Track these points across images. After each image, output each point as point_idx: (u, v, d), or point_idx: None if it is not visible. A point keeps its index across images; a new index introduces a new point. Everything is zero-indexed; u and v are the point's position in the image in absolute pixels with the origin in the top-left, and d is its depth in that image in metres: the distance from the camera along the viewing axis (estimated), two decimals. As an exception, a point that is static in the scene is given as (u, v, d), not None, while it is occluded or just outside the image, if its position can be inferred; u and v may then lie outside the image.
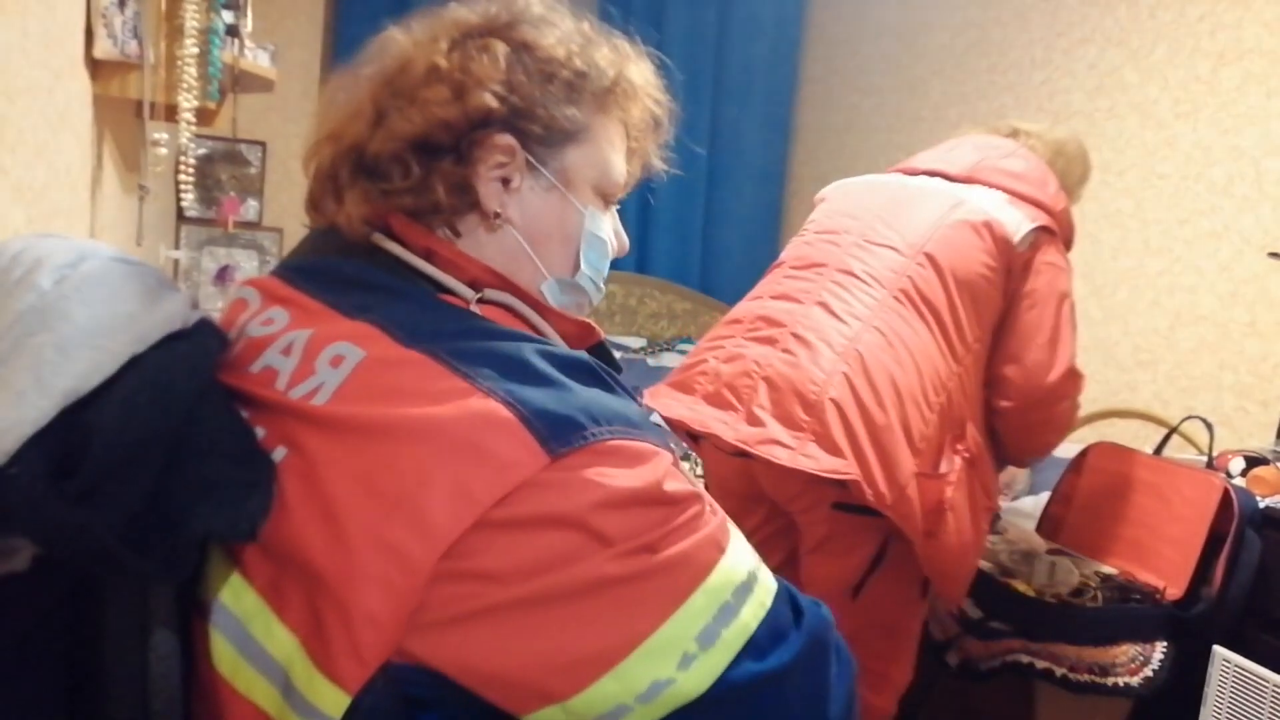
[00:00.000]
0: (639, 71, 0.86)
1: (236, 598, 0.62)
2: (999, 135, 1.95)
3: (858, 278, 1.67)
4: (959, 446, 1.63)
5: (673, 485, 0.67)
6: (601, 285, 0.87)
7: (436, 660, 0.61)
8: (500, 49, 0.78)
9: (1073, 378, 1.78)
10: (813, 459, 1.47)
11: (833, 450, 1.48)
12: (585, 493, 0.63)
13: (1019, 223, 1.73)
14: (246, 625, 0.62)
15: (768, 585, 0.72)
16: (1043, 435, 1.84)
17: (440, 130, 0.76)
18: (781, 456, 1.48)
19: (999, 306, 1.73)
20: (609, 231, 0.86)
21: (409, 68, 0.78)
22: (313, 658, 0.60)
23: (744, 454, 1.54)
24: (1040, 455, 1.93)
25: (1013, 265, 1.72)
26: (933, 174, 1.89)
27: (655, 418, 1.90)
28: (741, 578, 0.69)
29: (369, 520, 0.60)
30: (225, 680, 0.63)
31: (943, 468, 1.59)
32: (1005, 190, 1.79)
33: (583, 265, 0.84)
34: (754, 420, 1.54)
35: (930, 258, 1.67)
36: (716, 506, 0.73)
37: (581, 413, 0.64)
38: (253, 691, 0.62)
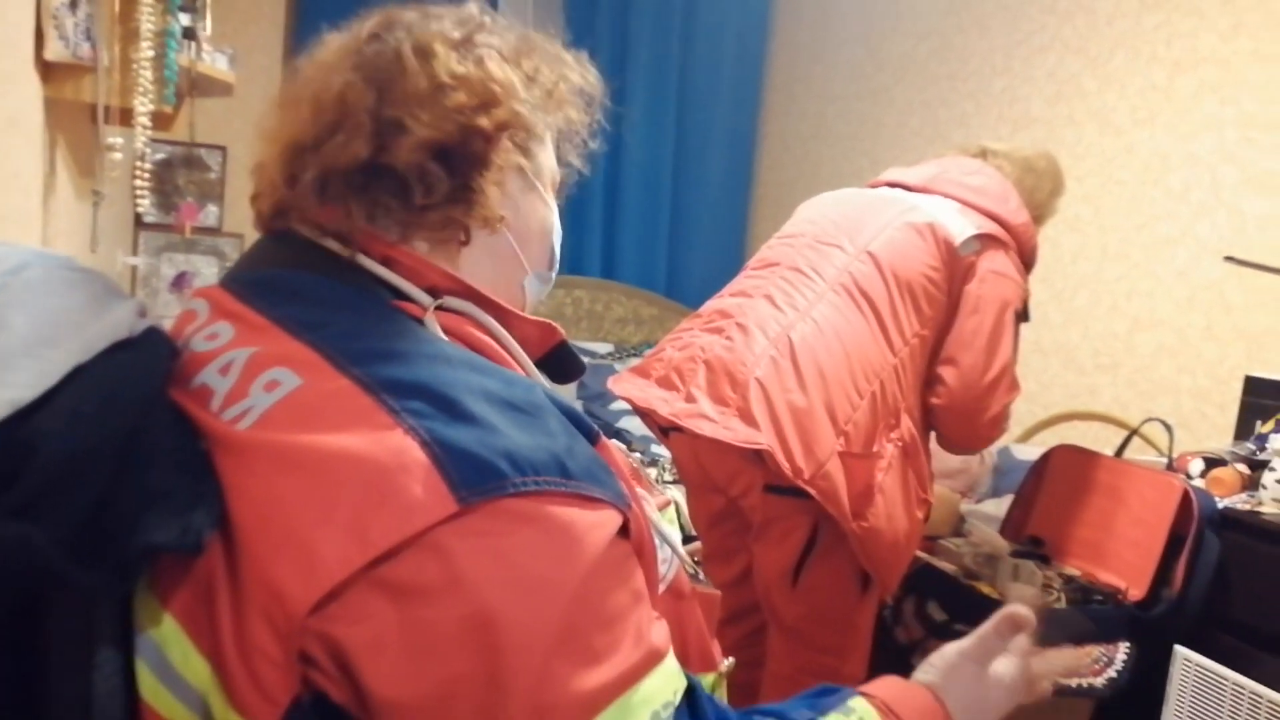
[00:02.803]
0: (568, 74, 0.87)
1: (154, 622, 0.60)
2: (968, 155, 2.04)
3: (803, 273, 1.79)
4: (892, 435, 1.71)
5: (598, 583, 0.61)
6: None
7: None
8: (494, 54, 0.79)
9: (1006, 385, 1.83)
10: (731, 431, 1.59)
11: (751, 424, 1.59)
12: (487, 571, 0.57)
13: (963, 228, 1.82)
14: (164, 651, 0.60)
15: None
16: (971, 439, 1.90)
17: (473, 138, 0.76)
18: (705, 428, 1.60)
19: (944, 306, 1.81)
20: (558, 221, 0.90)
21: (409, 75, 0.76)
22: (225, 692, 0.57)
23: (677, 428, 1.67)
24: (967, 453, 2.04)
25: (956, 269, 1.81)
26: (893, 185, 1.99)
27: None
28: None
29: (260, 552, 0.57)
30: (149, 705, 0.61)
31: (874, 449, 1.67)
32: (959, 200, 1.88)
33: (555, 258, 0.88)
34: (690, 399, 1.67)
35: (872, 256, 1.78)
36: (656, 618, 0.67)
37: (504, 459, 0.59)
38: (175, 717, 0.60)
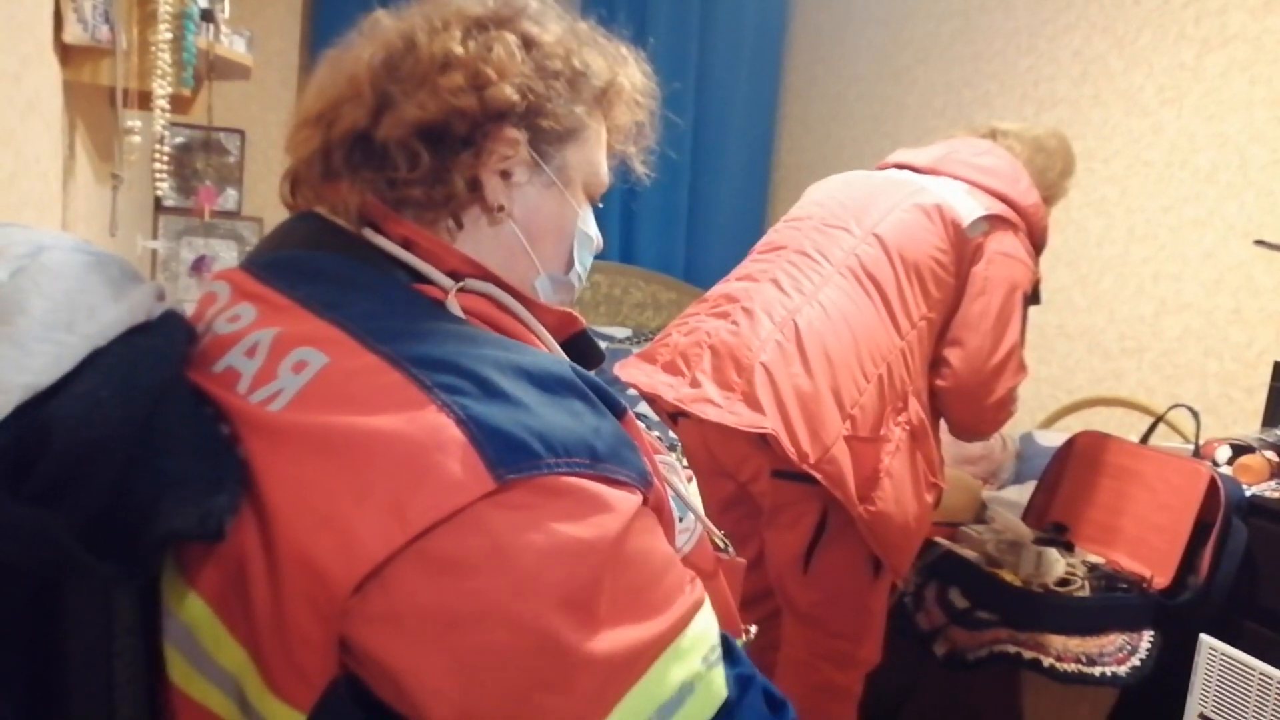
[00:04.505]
0: (630, 75, 0.86)
1: (183, 606, 0.60)
2: (977, 135, 2.01)
3: (810, 257, 1.77)
4: (900, 418, 1.69)
5: (634, 545, 0.62)
6: (585, 280, 0.89)
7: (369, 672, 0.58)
8: (512, 42, 0.78)
9: (1012, 368, 1.80)
10: (736, 415, 1.58)
11: (756, 409, 1.57)
12: (528, 539, 0.57)
13: (971, 209, 1.79)
14: (195, 635, 0.60)
15: (708, 698, 0.64)
16: (976, 423, 1.87)
17: (458, 120, 0.75)
18: (710, 413, 1.59)
19: (952, 288, 1.79)
20: (595, 229, 0.88)
21: (416, 53, 0.76)
22: (262, 675, 0.57)
23: (683, 414, 1.66)
24: (974, 439, 1.98)
25: (964, 250, 1.79)
26: (901, 167, 1.96)
27: (641, 407, 1.90)
28: (671, 690, 0.61)
29: (297, 535, 0.57)
30: (180, 689, 0.60)
31: (881, 433, 1.65)
32: (967, 181, 1.86)
33: (575, 263, 0.86)
34: (695, 383, 1.65)
35: (879, 238, 1.76)
36: (691, 578, 0.68)
37: (538, 439, 0.60)
38: (209, 701, 0.60)
